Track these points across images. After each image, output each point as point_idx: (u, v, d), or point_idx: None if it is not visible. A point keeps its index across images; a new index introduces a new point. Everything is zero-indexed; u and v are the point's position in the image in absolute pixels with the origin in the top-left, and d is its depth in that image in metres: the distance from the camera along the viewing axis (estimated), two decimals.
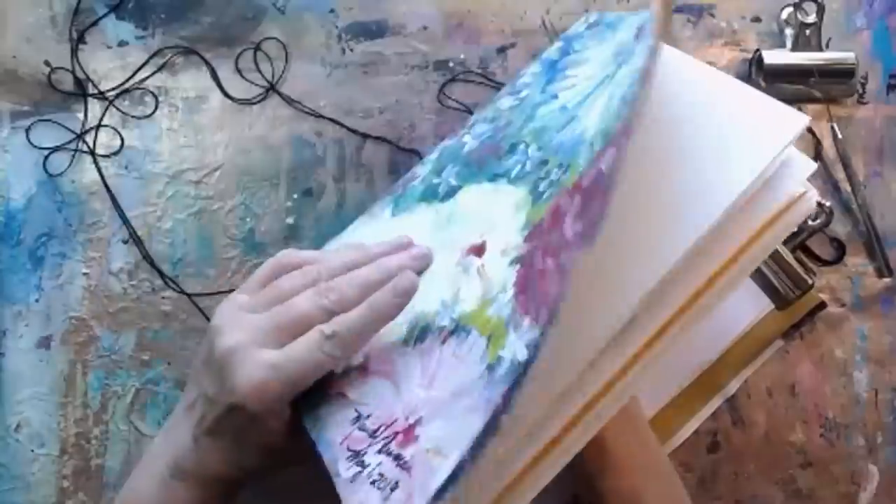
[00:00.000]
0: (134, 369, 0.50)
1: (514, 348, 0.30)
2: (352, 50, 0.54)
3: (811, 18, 0.53)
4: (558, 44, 0.46)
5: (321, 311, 0.36)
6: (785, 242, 0.51)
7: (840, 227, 0.53)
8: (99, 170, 0.52)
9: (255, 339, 0.35)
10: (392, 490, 0.30)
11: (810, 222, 0.51)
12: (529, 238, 0.35)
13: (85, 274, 0.51)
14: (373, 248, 0.40)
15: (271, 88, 0.53)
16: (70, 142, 0.52)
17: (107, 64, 0.53)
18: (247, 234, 0.52)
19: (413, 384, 0.34)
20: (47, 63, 0.53)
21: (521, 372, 0.29)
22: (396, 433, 0.32)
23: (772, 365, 0.52)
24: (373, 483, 0.31)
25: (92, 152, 0.52)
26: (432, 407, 0.32)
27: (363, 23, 0.55)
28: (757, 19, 0.55)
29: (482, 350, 0.32)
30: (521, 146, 0.40)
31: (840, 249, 0.53)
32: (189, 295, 0.51)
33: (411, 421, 0.32)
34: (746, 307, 0.51)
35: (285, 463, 0.39)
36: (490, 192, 0.39)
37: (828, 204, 0.52)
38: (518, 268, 0.34)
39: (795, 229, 0.50)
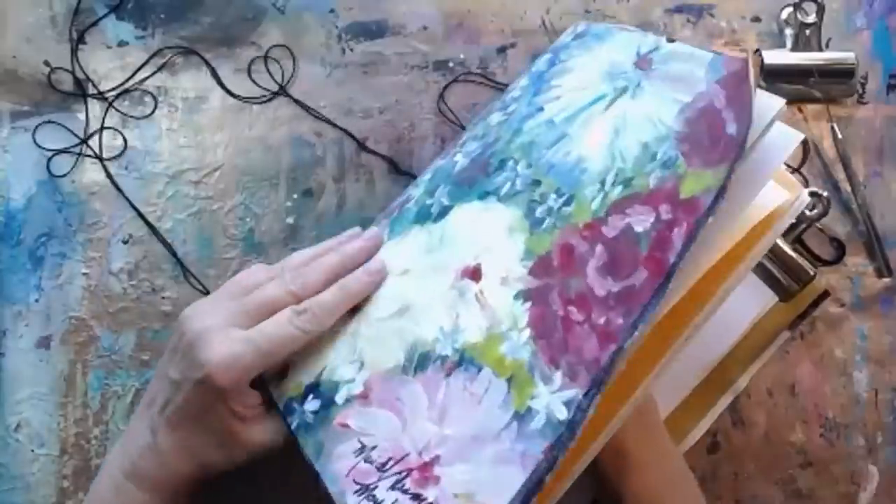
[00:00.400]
0: (134, 369, 0.50)
1: (549, 403, 0.30)
2: (352, 50, 0.54)
3: (811, 18, 0.53)
4: (547, 55, 0.45)
5: (288, 294, 0.38)
6: (784, 235, 0.51)
7: (840, 227, 0.53)
8: (109, 174, 0.52)
9: (225, 321, 0.37)
10: None
11: (807, 213, 0.51)
12: (535, 272, 0.34)
13: (85, 274, 0.51)
14: (327, 243, 0.43)
15: (282, 91, 0.53)
16: (75, 146, 0.52)
17: (107, 64, 0.53)
18: (247, 234, 0.52)
19: (420, 417, 0.33)
20: (47, 63, 0.53)
21: (563, 432, 0.29)
22: (410, 469, 0.32)
23: (772, 365, 0.52)
24: None
25: (100, 157, 0.52)
26: (451, 447, 0.32)
27: (363, 23, 0.55)
28: (757, 19, 0.55)
29: (503, 394, 0.32)
30: (510, 162, 0.39)
31: (840, 249, 0.53)
32: (204, 291, 0.51)
33: (426, 458, 0.32)
34: (751, 301, 0.51)
35: (240, 463, 0.38)
36: (480, 211, 0.39)
37: (825, 194, 0.51)
38: (529, 305, 0.33)
39: (794, 220, 0.50)
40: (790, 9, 0.54)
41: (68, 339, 0.51)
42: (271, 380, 0.38)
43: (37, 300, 0.51)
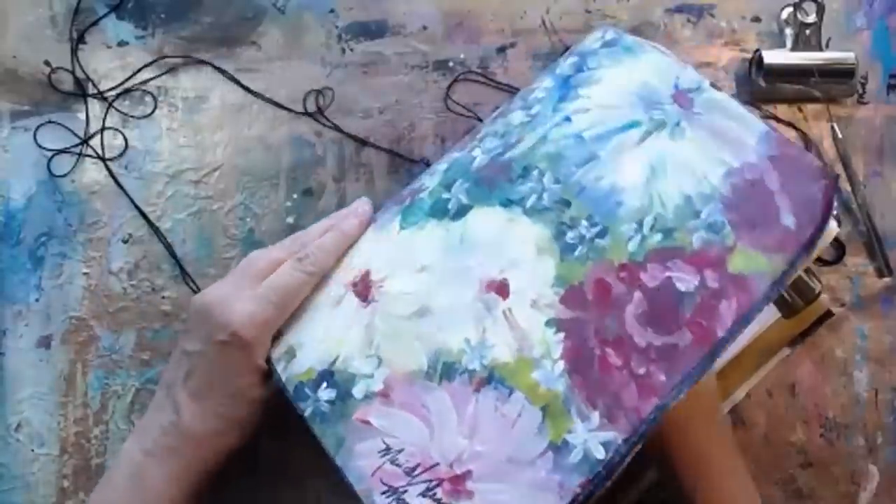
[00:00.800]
0: (134, 369, 0.50)
1: (587, 441, 0.31)
2: (352, 50, 0.54)
3: (811, 18, 0.53)
4: (573, 59, 0.44)
5: (288, 254, 0.41)
6: None
7: (840, 227, 0.53)
8: (112, 174, 0.52)
9: (238, 286, 0.39)
10: None
11: None
12: (567, 302, 0.35)
13: (85, 274, 0.51)
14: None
15: (319, 114, 0.53)
16: (76, 146, 0.52)
17: (107, 64, 0.53)
18: (246, 234, 0.52)
19: (449, 428, 0.34)
20: (47, 63, 0.53)
21: (600, 471, 0.30)
22: (440, 479, 0.32)
23: None
24: None
25: (102, 158, 0.52)
26: (484, 465, 0.32)
27: (363, 23, 0.55)
28: (757, 19, 0.55)
29: (538, 422, 0.32)
30: (535, 172, 0.39)
31: (840, 249, 0.53)
32: (197, 290, 0.51)
33: (458, 471, 0.32)
34: None
35: (259, 420, 0.40)
36: (504, 221, 0.38)
37: (835, 213, 0.51)
38: (562, 336, 0.34)
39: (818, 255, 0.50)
40: (790, 9, 0.54)
41: (68, 339, 0.51)
42: (278, 360, 0.39)
43: (37, 300, 0.51)
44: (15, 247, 0.51)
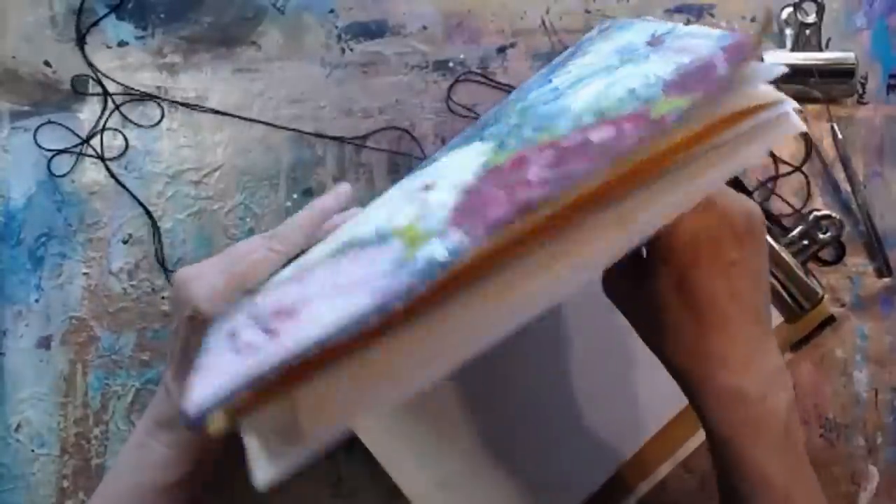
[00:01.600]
0: (134, 369, 0.50)
1: (433, 250, 0.28)
2: (351, 50, 0.54)
3: (811, 18, 0.53)
4: (571, 49, 0.46)
5: (265, 240, 0.41)
6: (796, 255, 0.50)
7: (842, 229, 0.53)
8: (112, 174, 0.52)
9: (211, 265, 0.40)
10: (251, 353, 0.29)
11: (821, 235, 0.51)
12: (484, 177, 0.33)
13: (85, 274, 0.51)
14: None
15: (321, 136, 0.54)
16: (76, 146, 0.52)
17: (107, 64, 0.53)
18: (247, 234, 0.52)
19: (315, 280, 0.33)
20: (47, 63, 0.53)
21: (434, 270, 0.27)
22: (279, 314, 0.31)
23: None
24: (237, 352, 0.30)
25: (102, 157, 0.52)
26: (325, 292, 0.31)
27: (363, 23, 0.55)
28: (757, 19, 0.55)
29: (399, 252, 0.30)
30: (504, 118, 0.40)
31: (840, 249, 0.53)
32: None
33: (299, 306, 0.31)
34: None
35: None
36: (462, 152, 0.39)
37: (837, 217, 0.51)
38: (462, 193, 0.32)
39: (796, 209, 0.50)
40: (790, 9, 0.54)
41: (68, 339, 0.51)
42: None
43: (37, 300, 0.51)
44: (15, 247, 0.51)
